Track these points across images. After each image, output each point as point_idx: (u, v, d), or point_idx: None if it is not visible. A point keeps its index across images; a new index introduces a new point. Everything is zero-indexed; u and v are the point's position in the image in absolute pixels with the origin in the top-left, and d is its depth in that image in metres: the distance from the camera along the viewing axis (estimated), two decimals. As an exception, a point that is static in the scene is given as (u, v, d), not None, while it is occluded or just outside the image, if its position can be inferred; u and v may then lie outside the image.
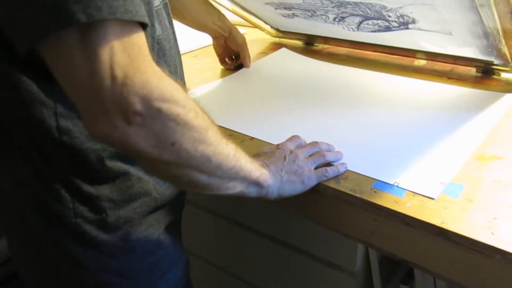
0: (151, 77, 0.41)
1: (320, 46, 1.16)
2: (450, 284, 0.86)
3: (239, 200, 0.92)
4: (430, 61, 1.00)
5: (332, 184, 0.62)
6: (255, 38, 1.26)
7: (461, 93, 0.86)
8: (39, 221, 0.55)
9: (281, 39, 1.23)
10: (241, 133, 0.76)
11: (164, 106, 0.42)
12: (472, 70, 0.94)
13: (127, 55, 0.40)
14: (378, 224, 0.60)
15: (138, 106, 0.40)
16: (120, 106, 0.40)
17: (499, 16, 0.74)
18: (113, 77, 0.39)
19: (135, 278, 0.60)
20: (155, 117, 0.42)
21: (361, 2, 0.88)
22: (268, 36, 1.26)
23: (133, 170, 0.57)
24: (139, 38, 0.41)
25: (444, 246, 0.54)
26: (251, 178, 0.55)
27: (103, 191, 0.55)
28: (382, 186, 0.61)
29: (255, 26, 1.24)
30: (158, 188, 0.59)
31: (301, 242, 0.90)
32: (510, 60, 0.85)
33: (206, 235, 1.06)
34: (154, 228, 0.60)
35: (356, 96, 0.89)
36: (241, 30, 1.34)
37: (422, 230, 0.55)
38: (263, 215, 0.90)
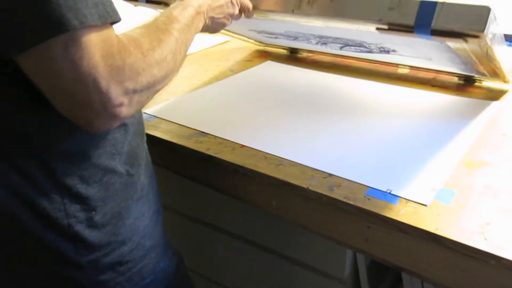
0: (126, 69, 0.46)
1: (304, 54, 1.17)
2: (439, 289, 0.86)
3: (228, 208, 0.91)
4: (413, 70, 1.02)
5: (325, 192, 0.61)
6: (239, 46, 1.26)
7: (446, 101, 0.88)
8: (31, 225, 0.54)
9: (265, 47, 1.24)
10: (231, 141, 0.75)
11: (138, 85, 0.48)
12: (454, 78, 0.96)
13: (105, 58, 0.44)
14: (372, 231, 0.60)
15: (122, 99, 0.46)
16: (111, 103, 0.45)
17: (476, 56, 0.75)
18: (96, 80, 0.43)
19: (129, 271, 0.61)
20: (136, 96, 0.48)
21: (341, 38, 0.89)
22: (252, 44, 1.26)
23: (119, 167, 0.58)
24: (111, 34, 0.46)
25: (438, 253, 0.55)
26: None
27: (91, 190, 0.55)
28: (375, 193, 0.61)
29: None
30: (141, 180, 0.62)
31: (289, 250, 0.90)
32: (489, 75, 0.87)
33: (193, 244, 1.04)
34: (140, 221, 0.62)
35: (344, 104, 0.90)
36: (225, 38, 1.34)
37: (416, 236, 0.55)
38: (251, 223, 0.90)
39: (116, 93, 0.45)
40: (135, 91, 0.47)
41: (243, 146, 0.74)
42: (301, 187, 0.63)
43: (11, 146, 0.51)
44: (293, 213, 0.67)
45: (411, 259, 0.58)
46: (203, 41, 1.33)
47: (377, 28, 0.63)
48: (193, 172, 0.78)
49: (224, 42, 1.32)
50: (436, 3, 0.58)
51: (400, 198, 0.60)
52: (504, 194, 0.60)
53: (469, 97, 0.88)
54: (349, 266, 0.91)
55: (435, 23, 0.58)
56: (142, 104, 0.51)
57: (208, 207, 0.95)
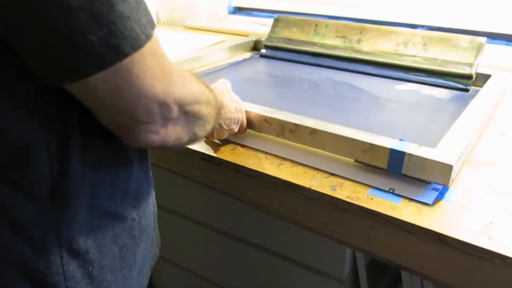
0: (182, 86, 0.46)
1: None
2: (438, 286, 0.86)
3: (224, 208, 0.91)
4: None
5: (328, 192, 0.61)
6: (235, 44, 1.25)
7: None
8: None
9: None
10: (231, 141, 0.75)
11: (190, 108, 0.49)
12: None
13: (161, 71, 0.42)
14: (375, 231, 0.59)
15: (175, 113, 0.46)
16: (163, 117, 0.45)
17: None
18: (156, 96, 0.42)
19: None
20: (184, 117, 0.48)
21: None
22: (248, 42, 1.26)
23: (121, 209, 0.52)
24: (158, 44, 0.43)
25: (443, 252, 0.54)
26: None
27: (90, 240, 0.49)
28: (378, 193, 0.61)
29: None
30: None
31: (288, 250, 0.90)
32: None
33: (189, 244, 1.03)
34: (133, 270, 0.55)
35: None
36: (221, 37, 1.34)
37: (421, 236, 0.55)
38: (249, 223, 0.89)
39: (172, 107, 0.45)
40: (181, 108, 0.47)
41: (243, 146, 0.73)
42: (303, 187, 0.62)
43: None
44: (295, 213, 0.66)
45: (415, 259, 0.58)
46: (199, 41, 1.32)
47: (356, 161, 0.67)
48: (193, 172, 0.77)
49: (219, 42, 1.31)
50: (404, 153, 0.61)
51: (402, 198, 0.59)
52: (506, 193, 0.60)
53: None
54: (348, 265, 0.91)
55: (405, 170, 0.62)
56: (174, 137, 0.49)
57: (208, 208, 0.94)
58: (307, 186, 0.62)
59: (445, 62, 0.92)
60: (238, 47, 1.21)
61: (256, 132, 0.75)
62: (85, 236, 0.48)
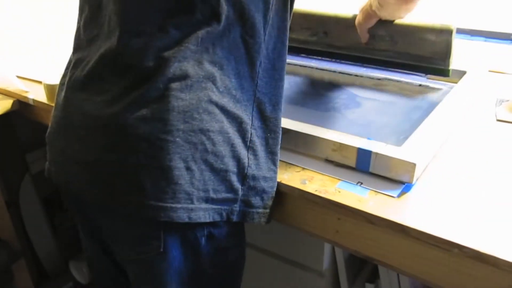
0: None
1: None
2: (414, 280, 0.89)
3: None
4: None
5: (298, 185, 0.63)
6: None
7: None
8: None
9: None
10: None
11: None
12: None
13: None
14: (342, 223, 0.61)
15: None
16: None
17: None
18: None
19: None
20: None
21: None
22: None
23: None
24: None
25: (406, 242, 0.56)
26: None
27: None
28: (346, 186, 0.62)
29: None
30: None
31: (269, 243, 0.92)
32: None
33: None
34: None
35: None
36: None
37: (384, 227, 0.57)
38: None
39: None
40: None
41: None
42: (275, 180, 0.64)
43: None
44: (268, 206, 0.68)
45: (379, 250, 0.60)
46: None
47: (326, 159, 0.68)
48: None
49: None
50: (370, 152, 0.63)
51: (370, 191, 0.61)
52: (467, 185, 0.62)
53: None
54: (328, 259, 0.93)
55: (372, 168, 0.64)
56: None
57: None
58: (278, 180, 0.64)
59: (418, 57, 0.89)
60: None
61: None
62: None
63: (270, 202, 0.63)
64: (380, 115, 0.83)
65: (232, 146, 0.58)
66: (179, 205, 0.56)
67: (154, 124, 0.55)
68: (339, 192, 0.61)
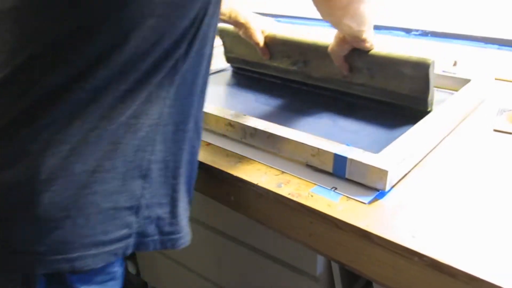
0: None
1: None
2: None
3: (202, 202, 0.95)
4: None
5: (273, 188, 0.65)
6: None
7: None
8: None
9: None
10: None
11: None
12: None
13: None
14: (314, 227, 0.62)
15: None
16: None
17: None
18: None
19: None
20: None
21: None
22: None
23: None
24: None
25: (370, 248, 0.57)
26: None
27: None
28: (320, 191, 0.63)
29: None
30: None
31: (263, 244, 0.92)
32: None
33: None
34: None
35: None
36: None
37: (350, 232, 0.58)
38: (225, 216, 0.93)
39: None
40: None
41: (209, 144, 0.77)
42: (252, 183, 0.66)
43: None
44: (248, 208, 0.70)
45: (348, 255, 0.60)
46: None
47: (307, 165, 0.69)
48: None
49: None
50: (346, 158, 0.63)
51: (342, 196, 0.62)
52: (444, 195, 0.61)
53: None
54: (322, 263, 0.93)
55: (348, 174, 0.64)
56: None
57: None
58: (255, 182, 0.66)
59: (395, 94, 0.82)
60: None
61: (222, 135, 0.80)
62: None
63: (167, 229, 0.58)
64: (372, 123, 0.83)
65: (122, 180, 0.52)
66: (59, 256, 0.51)
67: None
68: (312, 196, 0.62)
